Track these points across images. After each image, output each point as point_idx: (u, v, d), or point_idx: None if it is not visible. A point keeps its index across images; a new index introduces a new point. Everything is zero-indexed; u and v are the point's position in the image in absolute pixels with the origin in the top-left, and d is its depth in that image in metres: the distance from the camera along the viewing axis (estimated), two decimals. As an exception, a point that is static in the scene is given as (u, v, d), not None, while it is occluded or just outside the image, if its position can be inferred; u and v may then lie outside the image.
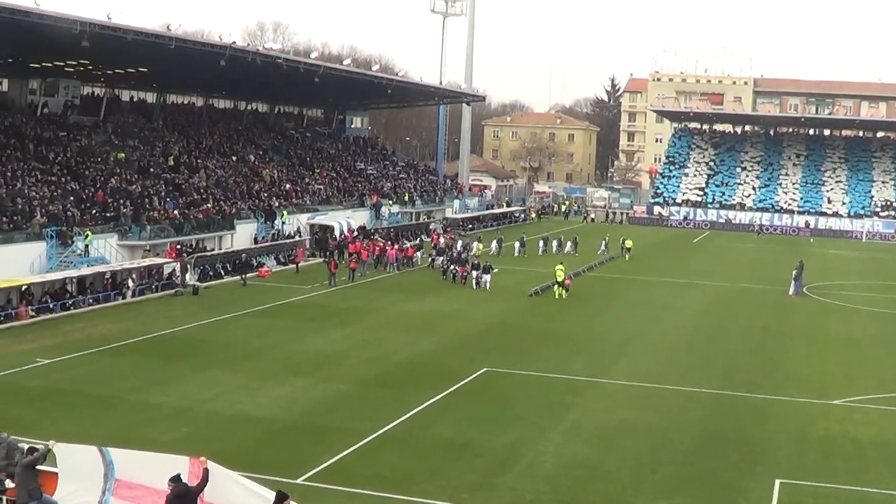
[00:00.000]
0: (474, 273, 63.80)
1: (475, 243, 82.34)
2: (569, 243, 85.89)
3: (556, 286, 60.88)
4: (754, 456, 30.06)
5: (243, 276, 62.56)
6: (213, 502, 19.07)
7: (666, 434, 32.05)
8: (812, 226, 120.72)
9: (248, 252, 68.98)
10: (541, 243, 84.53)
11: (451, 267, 66.20)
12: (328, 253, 72.37)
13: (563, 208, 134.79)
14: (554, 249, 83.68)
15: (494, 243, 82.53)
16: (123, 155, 73.37)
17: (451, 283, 64.90)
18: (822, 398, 37.91)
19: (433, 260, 72.23)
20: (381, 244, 74.45)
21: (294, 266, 69.72)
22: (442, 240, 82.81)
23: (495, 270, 65.02)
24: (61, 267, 54.97)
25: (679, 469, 28.58)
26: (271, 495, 18.69)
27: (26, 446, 20.84)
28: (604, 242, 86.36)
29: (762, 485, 27.34)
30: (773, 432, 32.85)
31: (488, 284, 62.64)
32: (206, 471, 18.94)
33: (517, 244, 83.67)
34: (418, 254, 74.97)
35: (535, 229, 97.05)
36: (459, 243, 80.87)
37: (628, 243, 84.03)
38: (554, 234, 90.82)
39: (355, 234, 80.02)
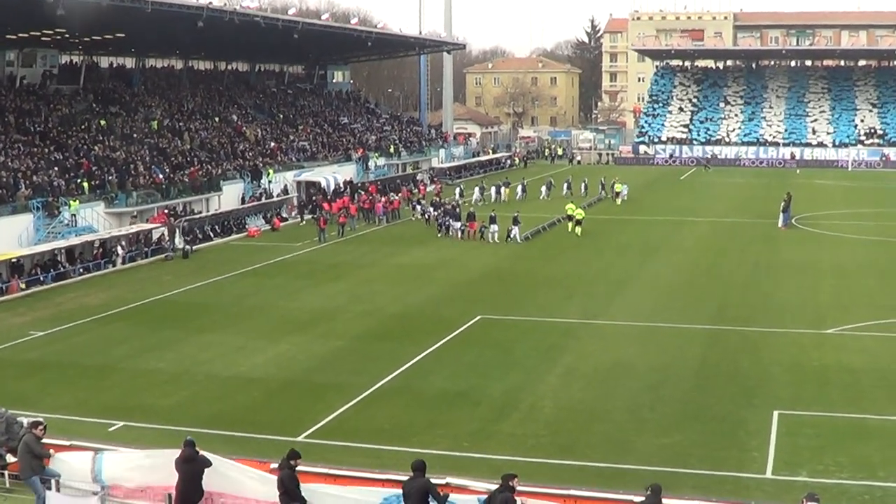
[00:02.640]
0: (457, 223, 63.05)
1: (503, 188, 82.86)
2: (564, 185, 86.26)
3: (570, 222, 63.82)
4: (752, 389, 30.21)
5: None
6: (217, 490, 19.01)
7: (663, 372, 32.17)
8: (798, 157, 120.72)
9: (236, 212, 68.82)
10: (543, 189, 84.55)
11: (447, 219, 64.35)
12: (317, 208, 71.66)
13: (548, 152, 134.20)
14: (543, 193, 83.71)
15: (493, 189, 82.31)
16: (105, 122, 72.93)
17: (446, 237, 63.21)
18: (815, 328, 38.10)
19: (426, 213, 70.13)
20: (373, 196, 74.44)
21: (270, 227, 68.66)
22: (431, 188, 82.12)
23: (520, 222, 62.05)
24: (49, 238, 54.73)
25: (678, 406, 28.71)
26: (272, 478, 18.55)
27: (25, 420, 20.77)
28: (583, 185, 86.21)
29: (761, 417, 27.48)
30: (770, 364, 33.00)
31: (496, 236, 60.71)
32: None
33: (519, 188, 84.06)
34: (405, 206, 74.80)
35: (521, 175, 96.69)
36: (476, 191, 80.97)
37: (618, 187, 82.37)
38: (544, 177, 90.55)
39: (341, 189, 79.69)
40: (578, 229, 62.98)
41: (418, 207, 72.71)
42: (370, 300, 44.54)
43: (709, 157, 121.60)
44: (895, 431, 26.72)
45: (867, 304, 42.24)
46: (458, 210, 65.98)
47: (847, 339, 36.63)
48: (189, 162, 72.65)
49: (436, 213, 67.95)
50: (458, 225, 63.13)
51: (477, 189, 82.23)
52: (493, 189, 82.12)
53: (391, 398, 29.92)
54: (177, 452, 18.77)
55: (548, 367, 33.05)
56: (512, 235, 60.71)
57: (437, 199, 75.25)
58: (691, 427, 26.93)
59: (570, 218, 64.57)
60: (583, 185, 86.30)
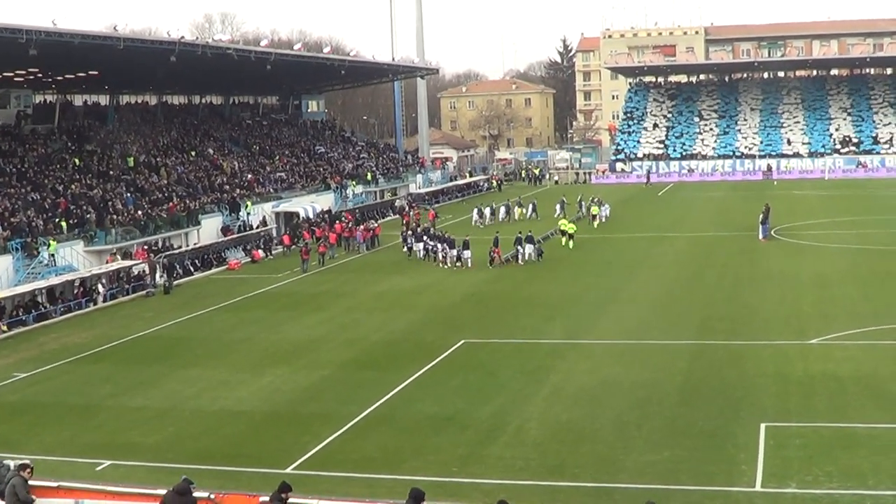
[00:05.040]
0: (453, 250, 61.03)
1: (516, 208, 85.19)
2: (529, 207, 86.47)
3: (563, 237, 66.74)
4: (738, 402, 30.25)
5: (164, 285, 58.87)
6: None
7: (650, 389, 32.17)
8: (774, 168, 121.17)
9: (215, 246, 68.71)
10: (501, 209, 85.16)
11: (440, 246, 62.11)
12: (299, 239, 70.98)
13: (537, 172, 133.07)
14: (528, 214, 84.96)
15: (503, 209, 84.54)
16: (81, 160, 72.79)
17: (441, 266, 61.33)
18: (799, 339, 38.22)
19: (410, 246, 66.28)
20: (348, 224, 74.22)
21: (250, 259, 68.27)
22: (411, 214, 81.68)
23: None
24: (29, 279, 54.55)
25: (665, 423, 28.71)
26: None
27: (11, 463, 20.63)
28: (559, 205, 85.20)
29: (748, 430, 27.50)
30: (755, 377, 33.06)
31: (469, 262, 60.06)
32: None
33: (502, 209, 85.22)
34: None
35: (501, 198, 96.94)
36: (488, 210, 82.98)
37: (594, 210, 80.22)
38: (514, 200, 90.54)
39: (322, 219, 79.46)
40: (570, 243, 65.84)
41: (409, 240, 67.69)
42: (353, 329, 44.48)
43: (649, 171, 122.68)
44: (883, 439, 26.76)
45: (849, 313, 42.39)
46: (447, 236, 63.93)
47: (831, 348, 36.72)
48: (167, 197, 72.53)
49: (422, 244, 64.92)
50: (454, 252, 61.17)
51: (475, 211, 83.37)
52: (502, 209, 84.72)
53: (378, 426, 29.82)
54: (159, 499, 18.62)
55: (534, 388, 33.03)
56: (463, 259, 60.65)
57: (418, 225, 74.48)
58: (679, 443, 26.92)
59: (563, 233, 67.10)
60: (558, 206, 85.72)
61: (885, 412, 28.79)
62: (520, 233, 62.98)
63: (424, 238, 65.44)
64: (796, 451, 25.89)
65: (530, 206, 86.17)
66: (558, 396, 32.02)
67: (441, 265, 61.33)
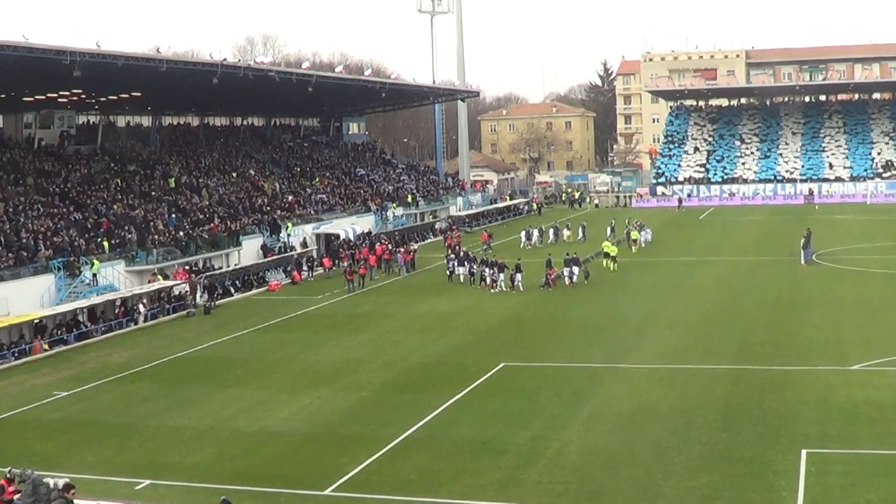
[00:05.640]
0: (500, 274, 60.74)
1: (564, 230, 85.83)
2: (579, 229, 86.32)
3: (606, 259, 67.09)
4: (778, 428, 30.01)
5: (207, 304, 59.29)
6: None
7: (689, 414, 31.99)
8: (816, 192, 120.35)
9: (256, 267, 69.00)
10: (551, 232, 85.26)
11: (489, 270, 61.47)
12: (344, 261, 70.72)
13: (577, 196, 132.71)
14: (578, 237, 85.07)
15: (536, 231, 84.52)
16: (123, 181, 73.39)
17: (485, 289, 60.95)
18: (841, 364, 37.89)
19: (451, 271, 65.68)
20: (387, 247, 74.25)
21: (290, 281, 68.33)
22: (453, 237, 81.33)
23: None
24: (71, 298, 55.01)
25: (705, 448, 28.53)
26: None
27: (52, 482, 20.74)
28: (609, 228, 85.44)
29: (789, 457, 27.29)
30: (795, 403, 32.80)
31: (521, 285, 59.59)
32: None
33: (551, 231, 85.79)
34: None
35: (540, 221, 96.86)
36: (536, 232, 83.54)
37: (634, 235, 79.08)
38: (562, 222, 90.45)
39: (361, 241, 79.41)
40: (613, 265, 66.42)
41: (451, 263, 66.79)
42: (392, 350, 44.54)
43: (681, 196, 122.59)
44: (925, 467, 26.48)
45: (892, 339, 41.98)
46: (494, 259, 63.17)
47: (873, 374, 36.38)
48: (208, 218, 72.97)
49: (465, 269, 64.60)
50: (501, 276, 60.60)
51: (523, 233, 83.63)
52: (550, 231, 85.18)
53: (416, 449, 29.81)
54: None
55: (572, 412, 32.92)
56: (498, 283, 60.60)
57: (459, 247, 74.50)
58: (719, 469, 26.75)
59: (606, 255, 67.49)
60: (609, 228, 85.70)
61: (928, 440, 28.49)
62: (567, 254, 63.48)
63: (470, 262, 65.04)
64: (837, 479, 25.65)
65: (580, 229, 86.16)
66: (597, 421, 31.89)
67: (490, 289, 60.68)
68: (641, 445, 29.04)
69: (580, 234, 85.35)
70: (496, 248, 77.08)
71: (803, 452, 27.49)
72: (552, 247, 78.11)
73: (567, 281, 60.60)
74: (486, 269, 62.23)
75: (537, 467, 27.57)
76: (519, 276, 59.97)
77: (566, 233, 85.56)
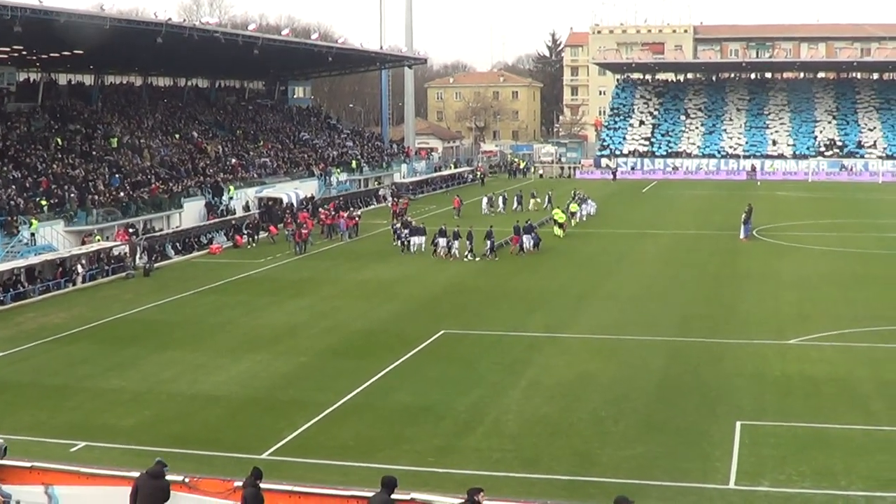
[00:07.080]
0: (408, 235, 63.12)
1: (530, 199, 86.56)
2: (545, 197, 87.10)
3: (555, 226, 68.28)
4: (714, 400, 30.35)
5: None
6: None
7: (626, 384, 32.23)
8: (758, 169, 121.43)
9: (197, 229, 68.47)
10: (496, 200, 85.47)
11: (444, 241, 60.36)
12: (287, 227, 69.59)
13: (523, 165, 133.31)
14: (514, 205, 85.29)
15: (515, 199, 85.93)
16: (64, 140, 72.44)
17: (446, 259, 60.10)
18: (777, 339, 38.36)
19: (405, 240, 63.71)
20: (332, 212, 73.90)
21: (231, 244, 67.79)
22: (399, 204, 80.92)
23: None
24: (9, 257, 54.28)
25: (641, 418, 28.79)
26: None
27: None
28: (547, 198, 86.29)
29: (723, 428, 27.59)
30: (732, 375, 33.17)
31: (422, 247, 61.96)
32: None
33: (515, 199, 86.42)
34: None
35: (483, 191, 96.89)
36: (500, 199, 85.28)
37: (573, 207, 77.60)
38: (513, 190, 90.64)
39: (304, 205, 79.00)
40: (561, 232, 67.88)
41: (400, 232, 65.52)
42: (333, 316, 44.43)
43: (615, 168, 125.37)
44: (856, 440, 26.87)
45: (828, 315, 42.54)
46: (443, 228, 62.07)
47: (808, 349, 36.86)
48: (149, 179, 72.26)
49: (420, 239, 63.14)
50: (456, 243, 60.37)
51: (485, 199, 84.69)
52: (514, 199, 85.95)
53: (355, 414, 29.81)
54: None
55: (512, 381, 33.05)
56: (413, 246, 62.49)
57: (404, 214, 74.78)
58: (655, 439, 27.00)
59: (556, 222, 68.80)
60: (547, 196, 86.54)
61: (859, 414, 28.92)
62: (527, 221, 64.45)
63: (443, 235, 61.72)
64: (770, 450, 25.98)
65: (546, 197, 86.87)
66: (536, 389, 32.04)
67: (442, 257, 60.21)
68: (579, 414, 29.24)
69: (546, 203, 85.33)
70: (434, 218, 76.37)
71: (738, 424, 27.80)
72: (518, 214, 77.94)
73: (519, 248, 60.82)
74: (441, 240, 61.14)
75: (476, 434, 27.67)
76: (456, 242, 60.21)
77: (532, 201, 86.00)
